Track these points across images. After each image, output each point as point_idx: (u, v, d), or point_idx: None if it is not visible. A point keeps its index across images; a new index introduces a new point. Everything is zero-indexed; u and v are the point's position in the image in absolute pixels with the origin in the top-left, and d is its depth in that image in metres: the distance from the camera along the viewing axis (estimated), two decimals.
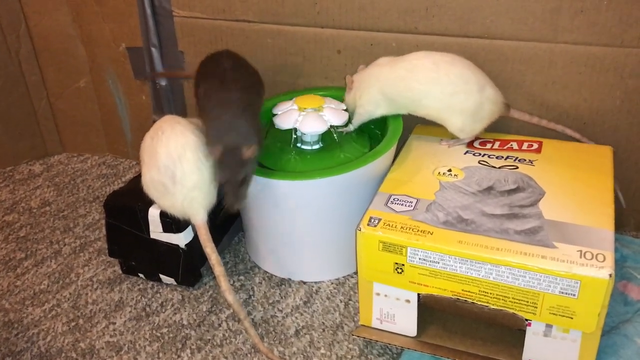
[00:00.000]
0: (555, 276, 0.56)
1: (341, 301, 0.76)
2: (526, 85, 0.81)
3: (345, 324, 0.73)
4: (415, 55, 0.76)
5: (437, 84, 0.73)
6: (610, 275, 0.55)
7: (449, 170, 0.72)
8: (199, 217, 0.72)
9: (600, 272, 0.55)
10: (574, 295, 0.57)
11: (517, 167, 0.72)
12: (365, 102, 0.78)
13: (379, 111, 0.78)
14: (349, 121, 0.80)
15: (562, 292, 0.57)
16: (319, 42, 0.87)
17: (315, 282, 0.79)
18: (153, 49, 0.95)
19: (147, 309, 0.77)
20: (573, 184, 0.68)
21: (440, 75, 0.73)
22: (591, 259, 0.57)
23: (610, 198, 0.66)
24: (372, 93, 0.77)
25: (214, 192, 0.73)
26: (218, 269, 0.70)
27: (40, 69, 1.06)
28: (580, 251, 0.58)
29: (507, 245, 0.59)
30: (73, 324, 0.75)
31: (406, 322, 0.67)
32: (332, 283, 0.79)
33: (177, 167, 0.69)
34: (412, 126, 0.83)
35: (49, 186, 1.05)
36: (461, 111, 0.74)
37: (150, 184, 0.71)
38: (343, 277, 0.80)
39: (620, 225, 0.84)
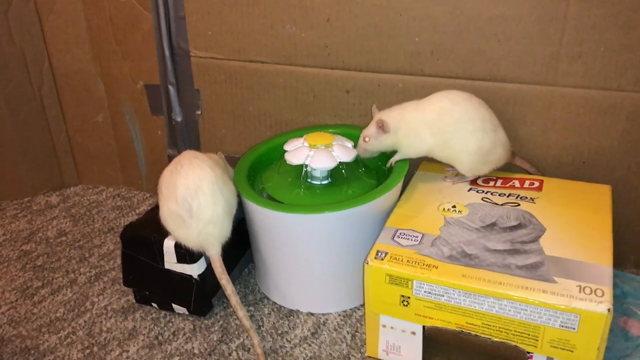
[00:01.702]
0: (556, 310, 0.59)
1: (348, 333, 0.78)
2: (527, 126, 0.84)
3: (352, 355, 0.74)
4: (435, 97, 0.79)
5: (460, 123, 0.76)
6: (609, 310, 0.57)
7: (454, 207, 0.75)
8: (214, 250, 0.75)
9: (599, 306, 0.57)
10: (574, 328, 0.59)
11: (519, 205, 0.75)
12: (416, 145, 0.79)
13: (421, 153, 0.80)
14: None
15: (563, 326, 0.59)
16: (328, 82, 0.91)
17: (323, 314, 0.81)
18: (170, 87, 0.99)
19: (160, 337, 0.79)
20: (573, 221, 0.71)
21: (462, 114, 0.76)
22: (590, 293, 0.59)
23: (609, 235, 0.68)
24: (426, 138, 0.78)
25: (229, 225, 0.76)
26: (234, 299, 0.74)
27: (60, 104, 1.10)
28: (580, 286, 0.60)
29: (509, 279, 0.62)
30: (88, 351, 0.77)
31: (411, 353, 0.69)
32: (339, 315, 0.81)
33: (194, 200, 0.72)
34: (418, 163, 0.86)
35: (65, 217, 1.08)
36: (476, 151, 0.77)
37: (168, 216, 0.75)
38: (350, 309, 0.82)
39: (621, 262, 0.86)
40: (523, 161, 0.83)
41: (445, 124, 0.77)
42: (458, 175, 0.81)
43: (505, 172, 0.82)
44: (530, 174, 0.84)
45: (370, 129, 0.80)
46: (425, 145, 0.78)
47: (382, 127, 0.78)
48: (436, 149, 0.78)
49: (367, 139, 0.80)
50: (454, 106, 0.76)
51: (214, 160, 0.79)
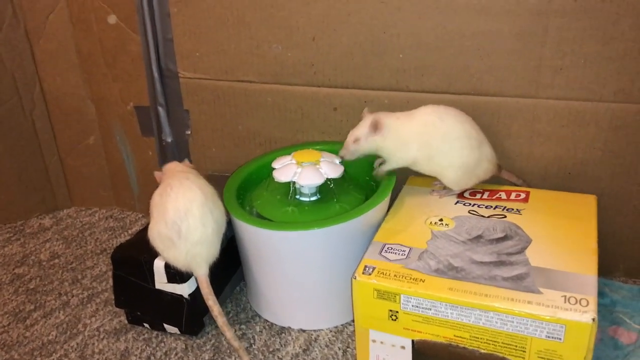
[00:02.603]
0: (541, 321, 0.59)
1: (339, 349, 0.78)
2: (513, 138, 0.85)
3: None
4: (424, 110, 0.79)
5: (446, 140, 0.77)
6: (594, 320, 0.57)
7: (440, 220, 0.75)
8: (201, 270, 0.75)
9: (584, 316, 0.58)
10: (560, 339, 0.59)
11: (505, 216, 0.75)
12: (403, 154, 0.79)
13: (407, 162, 0.80)
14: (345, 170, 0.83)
15: (549, 336, 0.59)
16: (316, 100, 0.92)
17: (315, 330, 0.82)
18: (160, 108, 1.00)
19: (152, 358, 0.79)
20: (558, 232, 0.72)
21: (448, 130, 0.77)
22: (575, 303, 0.59)
23: (594, 245, 0.69)
24: (413, 148, 0.78)
25: (217, 246, 0.77)
26: (221, 319, 0.74)
27: (52, 127, 1.11)
28: (565, 296, 0.60)
29: (495, 291, 0.62)
30: None
31: None
32: (330, 331, 0.81)
33: (184, 223, 0.73)
34: (405, 177, 0.87)
35: (58, 239, 1.08)
36: (460, 166, 0.78)
37: (157, 237, 0.75)
38: (341, 325, 0.82)
39: (610, 271, 0.87)
40: (509, 174, 0.84)
41: (431, 138, 0.78)
42: (445, 189, 0.82)
43: (492, 184, 0.83)
44: (517, 186, 0.84)
45: (361, 129, 0.78)
46: (411, 155, 0.79)
47: (376, 127, 0.77)
48: (421, 161, 0.79)
49: (357, 140, 0.79)
50: (442, 122, 0.77)
51: (203, 180, 0.79)
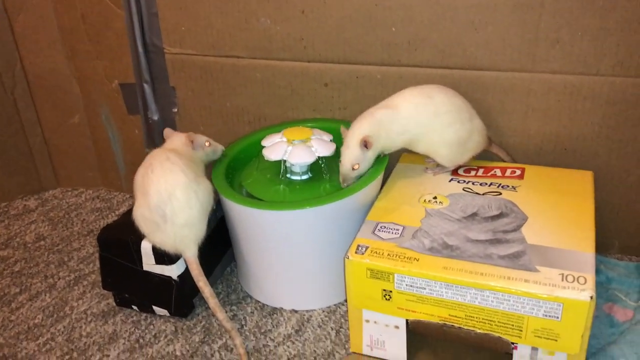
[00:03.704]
0: (538, 299, 0.58)
1: (332, 329, 0.77)
2: (507, 114, 0.83)
3: (337, 352, 0.74)
4: (409, 94, 0.77)
5: (436, 117, 0.75)
6: (591, 297, 0.56)
7: (435, 198, 0.74)
8: (190, 252, 0.73)
9: (582, 294, 0.57)
10: (557, 317, 0.58)
11: (501, 193, 0.74)
12: (397, 142, 0.77)
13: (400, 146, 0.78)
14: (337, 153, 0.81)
15: (546, 315, 0.58)
16: (306, 75, 0.90)
17: (307, 311, 0.80)
18: (145, 85, 0.97)
19: (141, 340, 0.77)
20: (555, 209, 0.70)
21: (438, 107, 0.75)
22: (572, 281, 0.58)
23: (591, 222, 0.68)
24: (411, 132, 0.76)
25: (204, 226, 0.75)
26: (212, 301, 0.73)
27: (35, 106, 1.08)
28: (562, 274, 0.59)
29: (491, 270, 0.61)
30: (67, 357, 0.75)
31: (396, 348, 0.68)
32: (323, 311, 0.80)
33: (168, 206, 0.71)
34: (398, 155, 0.85)
35: (43, 221, 1.06)
36: (453, 141, 0.76)
37: (142, 221, 0.73)
38: (334, 305, 0.81)
39: (606, 248, 0.86)
40: (499, 148, 0.83)
41: (424, 118, 0.75)
42: (439, 166, 0.80)
43: (486, 161, 0.81)
44: (505, 162, 0.83)
45: (354, 155, 0.74)
46: (409, 137, 0.76)
47: (367, 145, 0.73)
48: (414, 142, 0.77)
49: (356, 165, 0.74)
50: (431, 100, 0.75)
51: (184, 160, 0.75)
